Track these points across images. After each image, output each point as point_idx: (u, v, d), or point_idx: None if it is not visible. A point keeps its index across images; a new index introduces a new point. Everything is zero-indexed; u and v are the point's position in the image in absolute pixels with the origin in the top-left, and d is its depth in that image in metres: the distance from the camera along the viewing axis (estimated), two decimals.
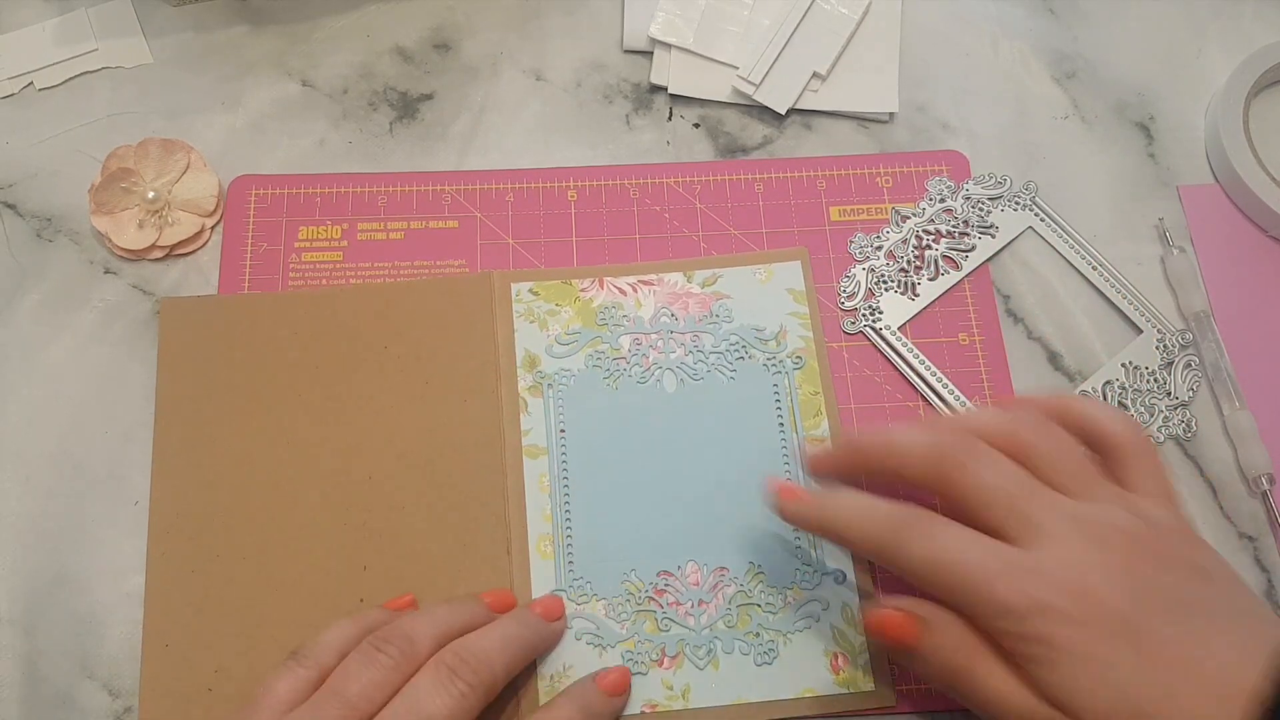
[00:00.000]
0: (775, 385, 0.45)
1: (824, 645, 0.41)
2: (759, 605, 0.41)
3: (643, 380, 0.45)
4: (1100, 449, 0.37)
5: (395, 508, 0.42)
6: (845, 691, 0.40)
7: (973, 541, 0.34)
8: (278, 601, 0.41)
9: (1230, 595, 0.34)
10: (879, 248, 0.48)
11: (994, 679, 0.33)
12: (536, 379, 0.44)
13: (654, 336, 0.45)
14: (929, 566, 0.34)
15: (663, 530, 0.42)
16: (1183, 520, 0.35)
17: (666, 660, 0.40)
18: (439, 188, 0.49)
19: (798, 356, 0.45)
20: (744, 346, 0.45)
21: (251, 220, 0.48)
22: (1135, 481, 0.36)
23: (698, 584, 0.41)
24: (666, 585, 0.41)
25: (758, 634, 0.41)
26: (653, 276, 0.47)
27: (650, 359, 0.45)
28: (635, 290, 0.46)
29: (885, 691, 0.40)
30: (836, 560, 0.42)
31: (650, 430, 0.44)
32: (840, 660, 0.40)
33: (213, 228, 0.48)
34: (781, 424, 0.44)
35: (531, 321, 0.45)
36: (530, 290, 0.46)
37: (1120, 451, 0.37)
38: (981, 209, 0.49)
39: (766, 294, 0.46)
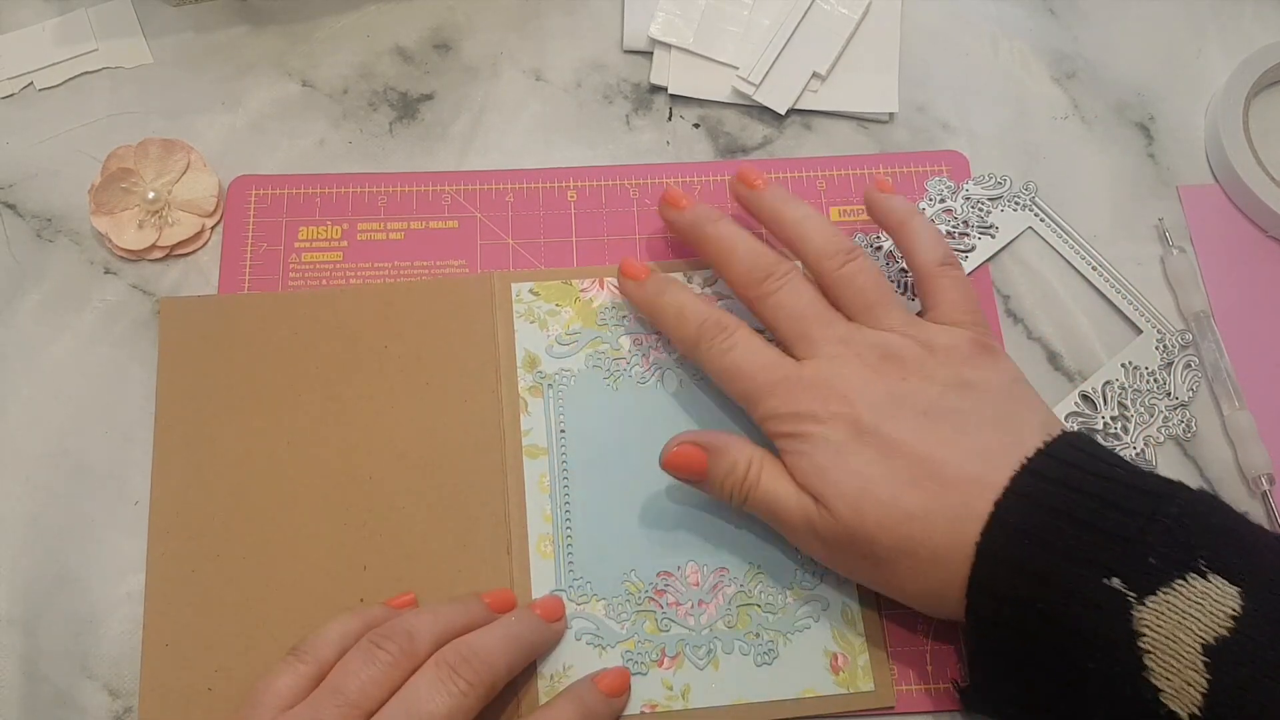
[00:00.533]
0: None
1: (824, 646, 0.41)
2: (759, 605, 0.41)
3: (643, 380, 0.45)
4: (913, 272, 0.42)
5: (395, 508, 0.42)
6: (845, 692, 0.40)
7: (758, 354, 0.40)
8: (278, 601, 0.41)
9: (995, 407, 0.37)
10: (879, 248, 0.48)
11: (775, 483, 0.38)
12: (537, 379, 0.44)
13: (655, 337, 0.45)
14: (721, 374, 0.40)
15: (663, 531, 0.42)
16: (969, 340, 0.39)
17: (666, 660, 0.40)
18: (439, 188, 0.49)
19: None
20: None
21: (251, 220, 0.48)
22: (931, 306, 0.41)
23: (698, 584, 0.41)
24: (666, 585, 0.41)
25: (758, 634, 0.41)
26: None
27: (651, 359, 0.45)
28: None
29: (885, 692, 0.40)
30: None
31: (651, 430, 0.43)
32: (840, 661, 0.40)
33: (213, 228, 0.48)
34: None
35: (532, 322, 0.45)
36: (530, 290, 0.46)
37: (923, 280, 0.42)
38: (981, 209, 0.49)
39: None
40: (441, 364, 0.45)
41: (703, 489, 0.40)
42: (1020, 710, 0.36)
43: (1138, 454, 0.44)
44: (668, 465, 0.40)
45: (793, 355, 0.40)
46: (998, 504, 0.35)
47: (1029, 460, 0.35)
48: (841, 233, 0.42)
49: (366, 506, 0.42)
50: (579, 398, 0.44)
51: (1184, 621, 0.31)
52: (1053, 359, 0.47)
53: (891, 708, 0.40)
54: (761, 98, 0.50)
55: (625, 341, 0.45)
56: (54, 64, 0.51)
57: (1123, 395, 0.45)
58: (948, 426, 0.37)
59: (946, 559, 0.35)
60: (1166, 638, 0.31)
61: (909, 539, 0.35)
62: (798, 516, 0.37)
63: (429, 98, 0.51)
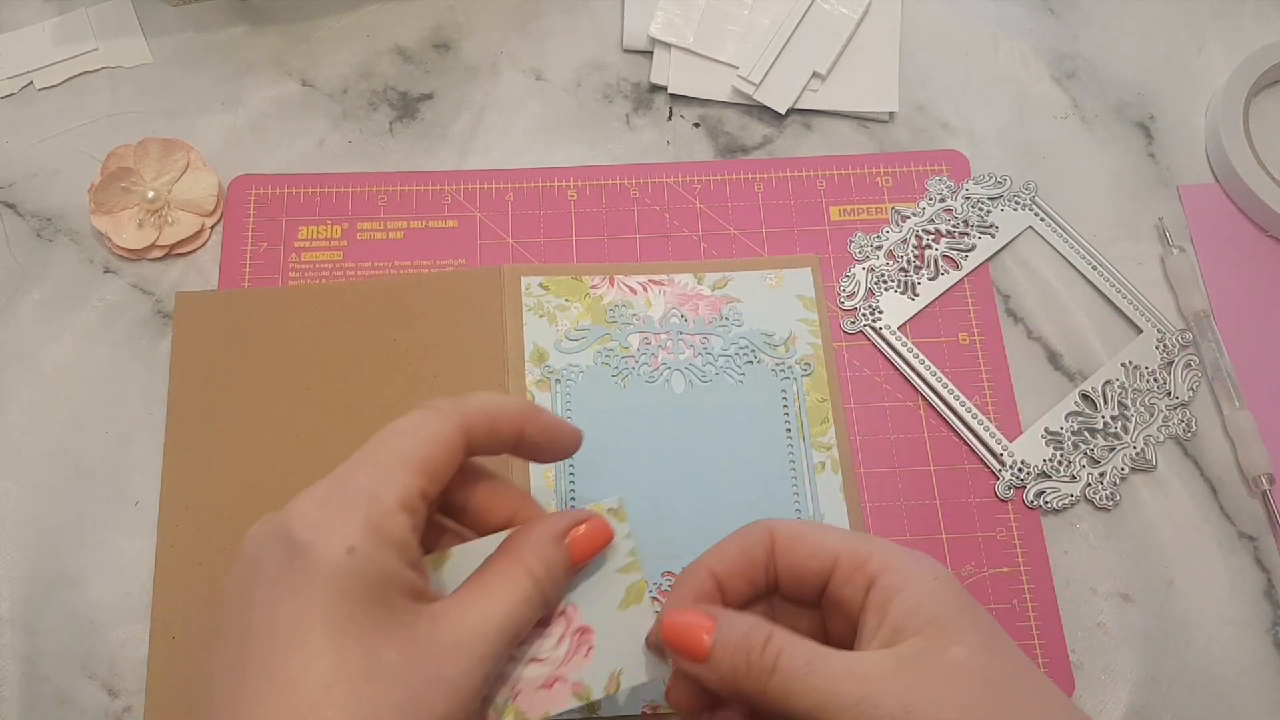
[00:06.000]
0: (783, 391, 0.45)
1: None
2: None
3: (651, 380, 0.45)
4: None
5: None
6: None
7: None
8: None
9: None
10: (879, 247, 0.48)
11: (829, 662, 0.28)
12: (545, 373, 0.44)
13: (663, 336, 0.45)
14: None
15: (667, 531, 0.42)
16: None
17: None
18: (439, 187, 0.49)
19: (806, 363, 0.45)
20: (753, 351, 0.45)
21: (251, 220, 0.48)
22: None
23: None
24: (671, 586, 0.41)
25: None
26: (663, 276, 0.47)
27: (659, 359, 0.45)
28: (646, 289, 0.46)
29: None
30: None
31: (657, 430, 0.43)
32: None
33: (212, 227, 0.48)
34: (789, 430, 0.44)
35: (541, 316, 0.45)
36: (540, 285, 0.46)
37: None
38: (981, 209, 0.49)
39: (777, 299, 0.46)
40: (450, 357, 0.45)
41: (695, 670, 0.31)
42: None
43: (1138, 453, 0.44)
44: (661, 644, 0.31)
45: None
46: None
47: None
48: None
49: None
50: (586, 394, 0.44)
51: None
52: (1053, 359, 0.47)
53: None
54: (761, 97, 0.50)
55: (634, 340, 0.45)
56: (54, 63, 0.51)
57: (1123, 395, 0.45)
58: None
59: None
60: None
61: None
62: None
63: (429, 97, 0.51)
